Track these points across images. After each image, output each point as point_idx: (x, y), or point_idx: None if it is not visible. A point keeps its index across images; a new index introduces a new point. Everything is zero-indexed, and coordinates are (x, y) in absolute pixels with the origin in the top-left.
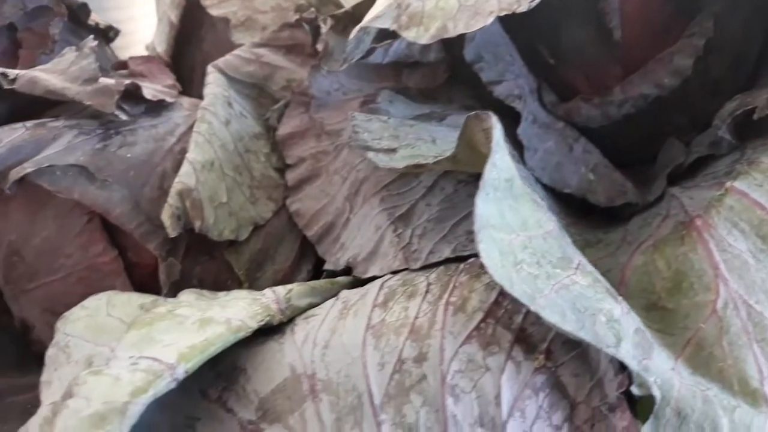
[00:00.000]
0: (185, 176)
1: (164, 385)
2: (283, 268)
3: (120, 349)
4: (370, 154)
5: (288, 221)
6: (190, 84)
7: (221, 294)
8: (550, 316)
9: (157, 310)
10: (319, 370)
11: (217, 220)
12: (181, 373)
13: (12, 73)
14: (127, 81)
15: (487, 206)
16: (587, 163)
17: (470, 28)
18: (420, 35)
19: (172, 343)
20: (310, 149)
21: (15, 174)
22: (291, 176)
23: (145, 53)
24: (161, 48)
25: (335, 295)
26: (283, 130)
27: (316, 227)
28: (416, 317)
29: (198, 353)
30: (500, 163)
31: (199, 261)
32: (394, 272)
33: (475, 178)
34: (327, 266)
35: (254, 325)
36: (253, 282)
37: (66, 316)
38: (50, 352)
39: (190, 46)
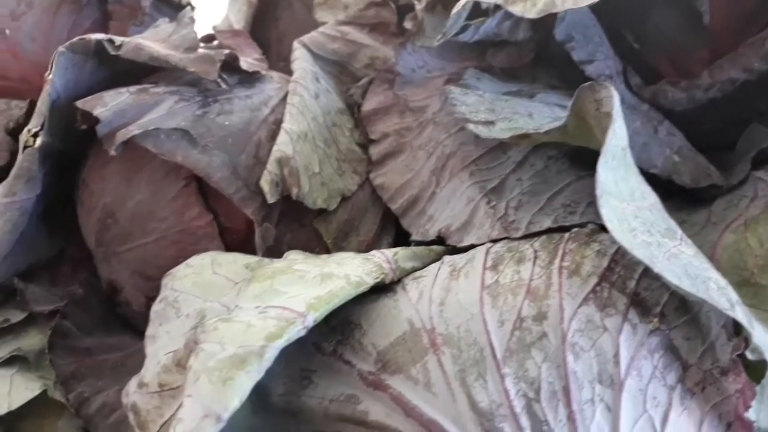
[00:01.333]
0: (283, 145)
1: (296, 332)
2: (366, 239)
3: (243, 300)
4: (470, 126)
5: (371, 195)
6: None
7: (326, 256)
8: (671, 278)
9: (275, 265)
10: (438, 325)
11: (311, 189)
12: (310, 321)
13: (117, 39)
14: (226, 51)
15: (606, 173)
16: (671, 145)
17: (578, 4)
18: (527, 10)
19: (297, 294)
20: (393, 125)
21: (122, 135)
22: (375, 151)
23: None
24: (239, 26)
25: (433, 261)
26: (368, 106)
27: (401, 200)
28: (531, 279)
29: (324, 304)
30: (619, 131)
31: (290, 228)
32: (493, 241)
33: (565, 155)
34: (414, 237)
35: (371, 281)
36: (339, 251)
37: (172, 274)
38: (157, 308)
39: (265, 24)
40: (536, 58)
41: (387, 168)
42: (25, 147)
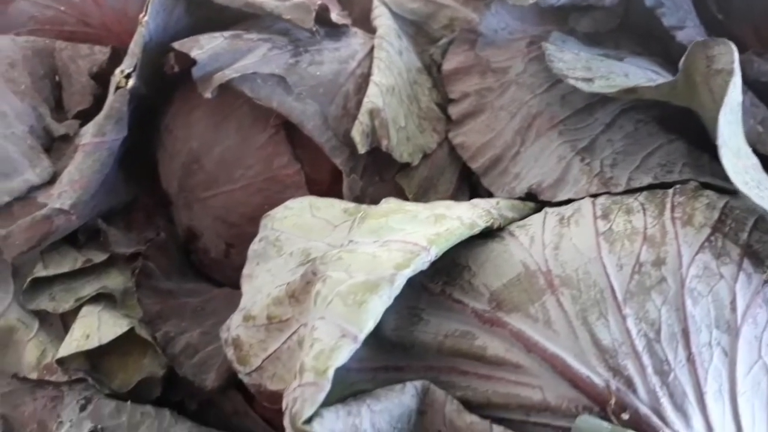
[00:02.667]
0: (374, 97)
1: (421, 263)
2: (443, 198)
3: (358, 236)
4: (571, 81)
5: (449, 154)
6: None
7: (430, 202)
8: None
9: (384, 206)
10: (554, 267)
11: (398, 143)
12: (433, 254)
13: None
14: (318, 2)
15: (724, 126)
16: (755, 116)
17: None
18: None
19: (415, 231)
20: (474, 85)
21: (219, 78)
22: (454, 110)
23: None
24: None
25: (528, 214)
26: (449, 65)
27: (482, 159)
28: (645, 228)
29: (444, 240)
30: (738, 85)
31: (372, 182)
32: (593, 196)
33: (654, 119)
34: (500, 195)
35: (482, 224)
36: None
37: (271, 215)
38: (256, 247)
39: None
40: (619, 25)
41: (467, 128)
42: (117, 88)
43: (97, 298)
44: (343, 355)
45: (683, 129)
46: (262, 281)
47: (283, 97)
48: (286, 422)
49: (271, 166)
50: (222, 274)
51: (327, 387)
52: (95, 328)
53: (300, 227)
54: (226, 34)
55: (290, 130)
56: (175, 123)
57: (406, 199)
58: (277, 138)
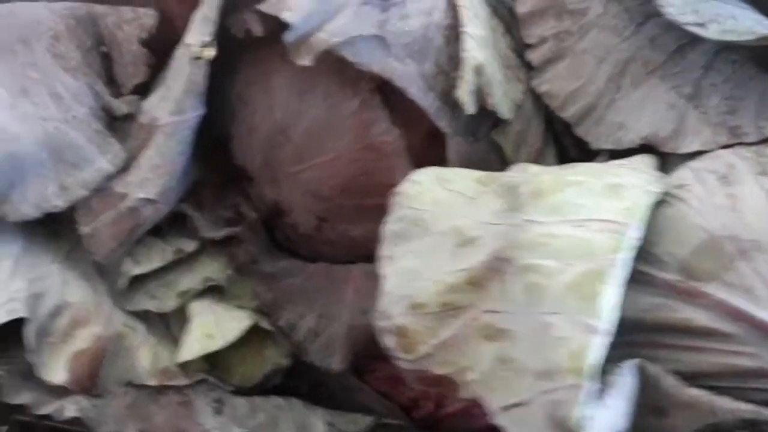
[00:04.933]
0: (474, 51)
1: (631, 243)
2: (533, 150)
3: (536, 215)
4: (690, 28)
5: (533, 103)
6: None
7: (575, 166)
8: None
9: (547, 177)
10: (739, 231)
11: (499, 98)
12: (637, 232)
13: None
14: None
15: None
16: None
17: None
18: None
19: (600, 206)
20: (551, 29)
21: (320, 44)
22: (534, 56)
23: None
24: None
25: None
26: (523, 8)
27: (574, 108)
28: None
29: (638, 215)
30: None
31: (466, 141)
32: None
33: (749, 60)
34: (603, 146)
35: (657, 190)
36: (515, 163)
37: (403, 192)
38: (394, 227)
39: None
40: None
41: (550, 74)
42: (196, 58)
43: (201, 291)
44: (596, 353)
45: None
46: (409, 264)
47: (384, 59)
48: (544, 423)
49: (366, 133)
50: (311, 249)
51: (588, 386)
52: (214, 325)
53: (439, 203)
54: None
55: (382, 94)
56: (250, 93)
57: (502, 156)
58: (372, 103)
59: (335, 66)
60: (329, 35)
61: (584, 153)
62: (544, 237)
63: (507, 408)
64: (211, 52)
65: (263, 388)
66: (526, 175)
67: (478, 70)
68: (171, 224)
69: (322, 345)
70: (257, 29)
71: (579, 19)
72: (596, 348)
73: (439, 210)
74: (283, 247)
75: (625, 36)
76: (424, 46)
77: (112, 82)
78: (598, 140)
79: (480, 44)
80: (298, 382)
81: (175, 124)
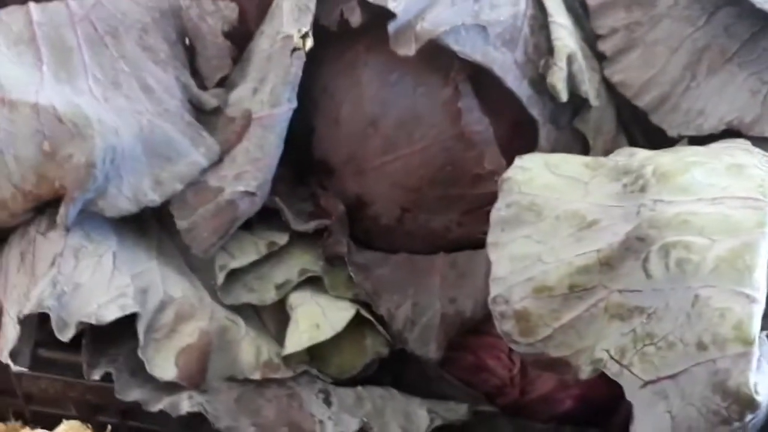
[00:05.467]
0: (566, 39)
1: None
2: (608, 139)
3: (666, 195)
4: None
5: (606, 92)
6: None
7: (681, 148)
8: None
9: (665, 159)
10: None
11: (588, 86)
12: None
13: None
14: None
15: None
16: None
17: None
18: None
19: (730, 185)
20: (621, 20)
21: (425, 33)
22: (607, 46)
23: None
24: None
25: None
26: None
27: (648, 97)
28: None
29: None
30: None
31: (554, 129)
32: None
33: None
34: (682, 132)
35: None
36: (595, 150)
37: (512, 178)
38: (503, 213)
39: None
40: None
41: (623, 64)
42: (295, 49)
43: (299, 283)
44: (758, 321)
45: None
46: (524, 249)
47: (485, 48)
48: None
49: (458, 122)
50: (389, 242)
51: (756, 353)
52: (321, 315)
53: (551, 188)
54: None
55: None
56: (338, 85)
57: (585, 144)
58: (464, 91)
59: (426, 55)
60: (432, 25)
61: (652, 141)
62: (685, 215)
63: (653, 382)
64: (309, 42)
65: (358, 379)
66: (640, 158)
67: (570, 59)
68: (259, 218)
69: (418, 334)
70: (355, 19)
71: (649, 10)
72: (757, 317)
73: (551, 195)
74: (358, 240)
75: (699, 25)
76: (514, 35)
77: (195, 75)
78: (675, 127)
79: (569, 32)
80: (381, 373)
81: (273, 116)
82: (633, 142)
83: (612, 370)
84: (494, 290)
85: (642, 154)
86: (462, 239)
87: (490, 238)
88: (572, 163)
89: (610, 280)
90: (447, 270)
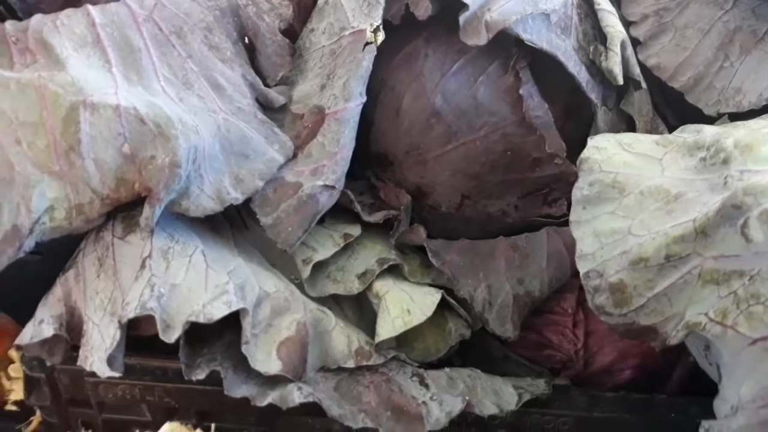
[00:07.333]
0: (618, 26)
1: None
2: (648, 120)
3: (751, 165)
4: None
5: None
6: None
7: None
8: None
9: (741, 132)
10: None
11: (638, 70)
12: None
13: None
14: None
15: None
16: None
17: None
18: None
19: None
20: (650, 6)
21: (497, 24)
22: (639, 32)
23: None
24: None
25: None
26: None
27: (684, 78)
28: None
29: None
30: None
31: (607, 112)
32: None
33: None
34: (721, 109)
35: None
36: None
37: (591, 158)
38: (586, 192)
39: None
40: None
41: (656, 48)
42: (367, 43)
43: (381, 272)
44: None
45: None
46: (610, 224)
47: (549, 36)
48: None
49: (519, 109)
50: (446, 228)
51: None
52: (410, 300)
53: (630, 165)
54: None
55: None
56: (398, 77)
57: (630, 125)
58: (525, 78)
59: (486, 45)
60: (501, 15)
61: (685, 121)
62: None
63: (764, 338)
64: (381, 36)
65: (437, 363)
66: (711, 133)
67: (625, 44)
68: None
69: (496, 315)
70: (422, 12)
71: None
72: None
73: (631, 172)
74: None
75: (726, 8)
76: (567, 23)
77: (256, 72)
78: (713, 105)
79: (617, 18)
80: (451, 357)
81: (347, 110)
82: (666, 123)
83: (713, 331)
84: (584, 266)
85: (710, 129)
86: (518, 222)
87: (573, 217)
88: (643, 141)
89: (704, 248)
90: (510, 252)
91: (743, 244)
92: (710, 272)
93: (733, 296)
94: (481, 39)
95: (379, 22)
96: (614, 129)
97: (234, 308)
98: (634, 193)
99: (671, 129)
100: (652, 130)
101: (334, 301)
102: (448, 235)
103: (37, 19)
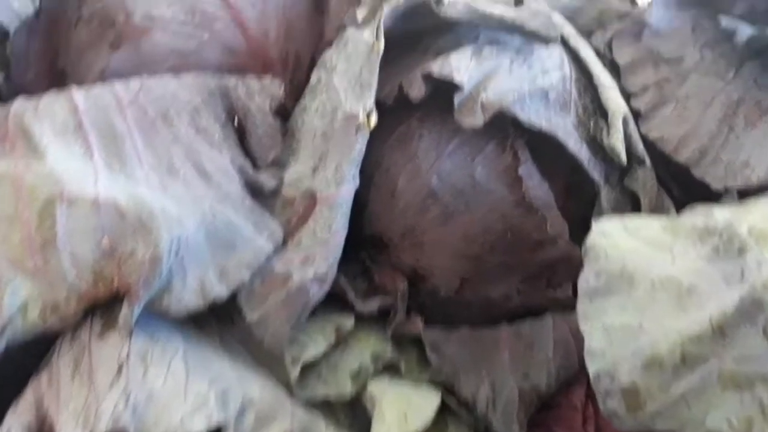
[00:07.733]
0: (618, 100)
1: None
2: (653, 196)
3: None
4: None
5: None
6: None
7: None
8: None
9: (757, 216)
10: None
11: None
12: None
13: None
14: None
15: None
16: None
17: None
18: None
19: None
20: (650, 77)
21: (493, 104)
22: (640, 104)
23: None
24: None
25: None
26: (623, 58)
27: (688, 151)
28: None
29: None
30: None
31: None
32: None
33: None
34: (728, 184)
35: None
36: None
37: (596, 245)
38: (592, 283)
39: None
40: None
41: (657, 121)
42: (360, 127)
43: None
44: None
45: None
46: (620, 319)
47: (547, 114)
48: None
49: (518, 189)
50: (446, 314)
51: None
52: (407, 404)
53: (637, 253)
54: (467, 51)
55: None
56: (393, 158)
57: (635, 203)
58: (523, 158)
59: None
60: (497, 95)
61: (692, 196)
62: None
63: None
64: (374, 120)
65: None
66: (723, 218)
67: (627, 120)
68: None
69: (500, 414)
70: (416, 93)
71: (675, 67)
72: None
73: (639, 260)
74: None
75: (728, 79)
76: (566, 98)
77: (246, 154)
78: (720, 179)
79: (618, 93)
80: None
81: (340, 195)
82: (670, 195)
83: None
84: (594, 365)
85: (721, 214)
86: (521, 307)
87: (580, 310)
88: (650, 226)
89: (723, 348)
90: (514, 342)
91: (766, 346)
92: (731, 375)
93: (759, 404)
94: (477, 120)
95: (372, 105)
96: (618, 207)
97: (214, 421)
98: (644, 285)
99: (677, 202)
100: (657, 207)
101: (325, 403)
102: (448, 320)
103: (19, 103)
